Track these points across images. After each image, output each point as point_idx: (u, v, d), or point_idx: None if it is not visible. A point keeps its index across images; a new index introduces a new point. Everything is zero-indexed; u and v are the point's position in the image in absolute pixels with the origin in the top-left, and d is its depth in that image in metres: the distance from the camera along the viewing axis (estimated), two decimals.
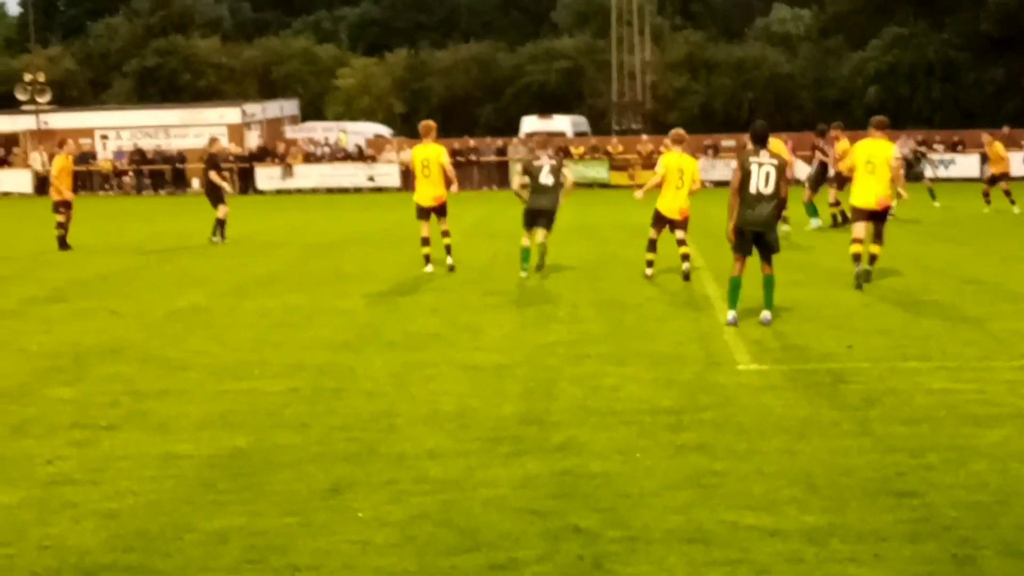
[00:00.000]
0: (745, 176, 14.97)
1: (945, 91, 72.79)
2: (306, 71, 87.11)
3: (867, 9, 78.40)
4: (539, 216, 21.08)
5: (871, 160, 18.94)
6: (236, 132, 64.95)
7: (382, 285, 20.14)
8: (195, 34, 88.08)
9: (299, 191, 60.20)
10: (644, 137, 63.36)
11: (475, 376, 12.20)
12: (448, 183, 21.92)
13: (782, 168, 15.00)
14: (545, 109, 71.52)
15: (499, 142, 63.62)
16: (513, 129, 68.17)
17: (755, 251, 15.26)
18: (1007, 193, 34.28)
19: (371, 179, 60.98)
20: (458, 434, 9.80)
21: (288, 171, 61.16)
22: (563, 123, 67.30)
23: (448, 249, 22.16)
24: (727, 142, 61.68)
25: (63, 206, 28.52)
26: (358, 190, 60.33)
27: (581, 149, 61.02)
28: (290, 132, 68.60)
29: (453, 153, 61.34)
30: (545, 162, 21.39)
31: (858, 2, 78.73)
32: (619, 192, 51.58)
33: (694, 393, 11.17)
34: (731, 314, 15.17)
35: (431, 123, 22.81)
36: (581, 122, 70.59)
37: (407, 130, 76.91)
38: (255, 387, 11.85)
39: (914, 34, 74.56)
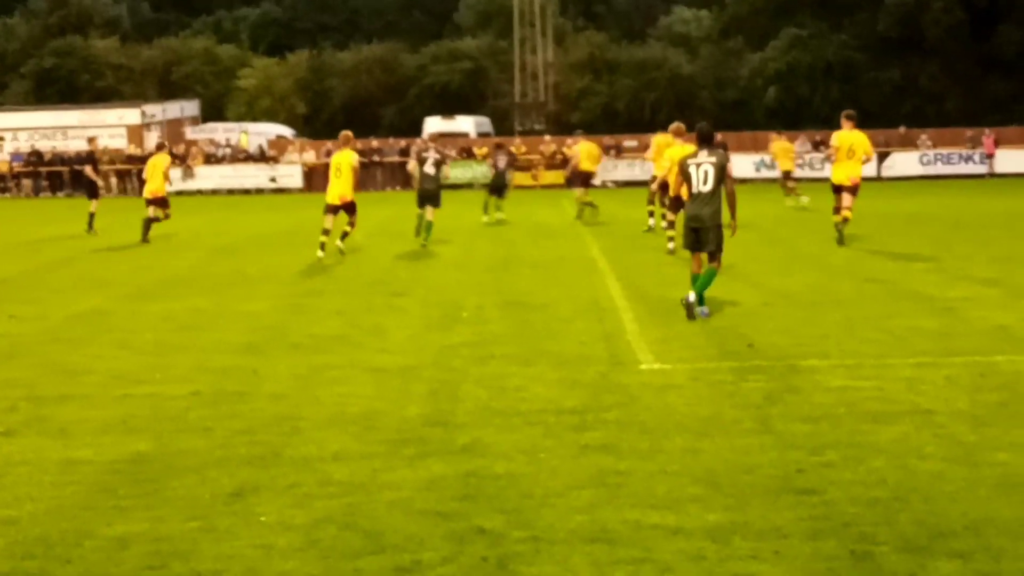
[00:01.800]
0: (686, 178, 15.75)
1: (844, 91, 73.67)
2: (207, 72, 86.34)
3: (766, 10, 79.25)
4: (426, 198, 26.70)
5: (852, 147, 24.59)
6: (136, 133, 64.27)
7: (286, 287, 20.04)
8: (93, 34, 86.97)
9: (200, 192, 59.65)
10: (547, 138, 63.58)
11: (380, 378, 12.17)
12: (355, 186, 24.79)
13: (721, 165, 15.47)
14: (448, 110, 71.53)
15: (402, 143, 63.47)
16: (417, 130, 68.09)
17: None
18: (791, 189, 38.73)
19: (273, 180, 60.62)
20: (363, 436, 9.78)
21: (189, 172, 60.61)
22: (466, 123, 67.39)
23: (343, 236, 24.46)
24: (629, 142, 62.09)
25: (161, 203, 30.56)
26: (260, 191, 59.96)
27: (484, 149, 61.03)
28: (191, 133, 67.97)
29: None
30: (431, 155, 27.33)
31: (757, 3, 79.56)
32: (522, 192, 51.68)
33: (598, 393, 11.23)
34: (692, 296, 15.46)
35: (349, 133, 26.04)
36: (484, 123, 70.70)
37: (309, 131, 76.63)
38: (157, 391, 11.74)
39: (813, 35, 75.50)
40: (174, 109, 70.11)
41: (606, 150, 60.41)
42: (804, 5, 77.74)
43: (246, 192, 60.12)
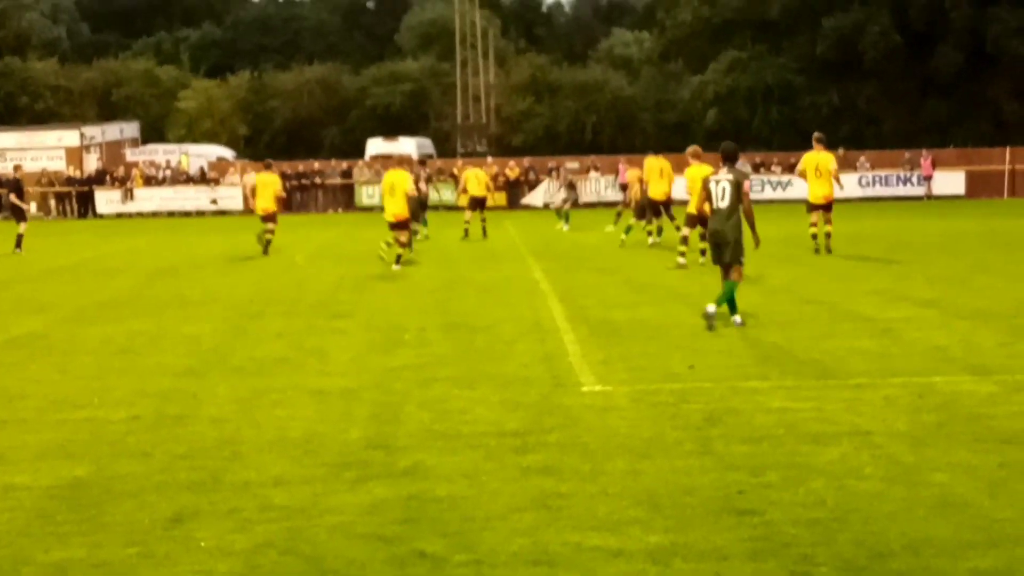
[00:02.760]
0: (708, 194, 16.63)
1: (783, 114, 74.33)
2: (147, 93, 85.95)
3: (706, 33, 79.77)
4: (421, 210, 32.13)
5: (819, 168, 27.28)
6: (75, 155, 63.79)
7: (227, 310, 19.94)
8: (32, 56, 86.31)
9: (140, 215, 59.35)
10: (489, 159, 63.63)
11: (322, 401, 12.13)
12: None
13: (737, 183, 16.27)
14: (390, 131, 71.52)
15: (344, 165, 63.36)
16: (359, 151, 68.05)
17: None
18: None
19: (214, 202, 60.33)
20: (304, 460, 9.74)
21: (129, 195, 60.27)
22: (408, 145, 67.34)
23: (397, 259, 26.00)
24: (571, 164, 62.22)
25: (271, 218, 31.83)
26: (201, 213, 59.68)
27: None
28: (131, 155, 67.53)
29: (297, 176, 61.29)
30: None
31: (697, 26, 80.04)
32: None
33: (540, 415, 11.23)
34: (735, 318, 16.48)
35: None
36: (426, 144, 70.70)
37: (250, 152, 76.39)
38: (96, 415, 11.64)
39: (752, 58, 76.07)
40: (114, 131, 69.66)
41: (548, 172, 60.77)
42: (743, 28, 78.31)
43: (187, 214, 59.83)
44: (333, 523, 8.05)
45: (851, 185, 58.75)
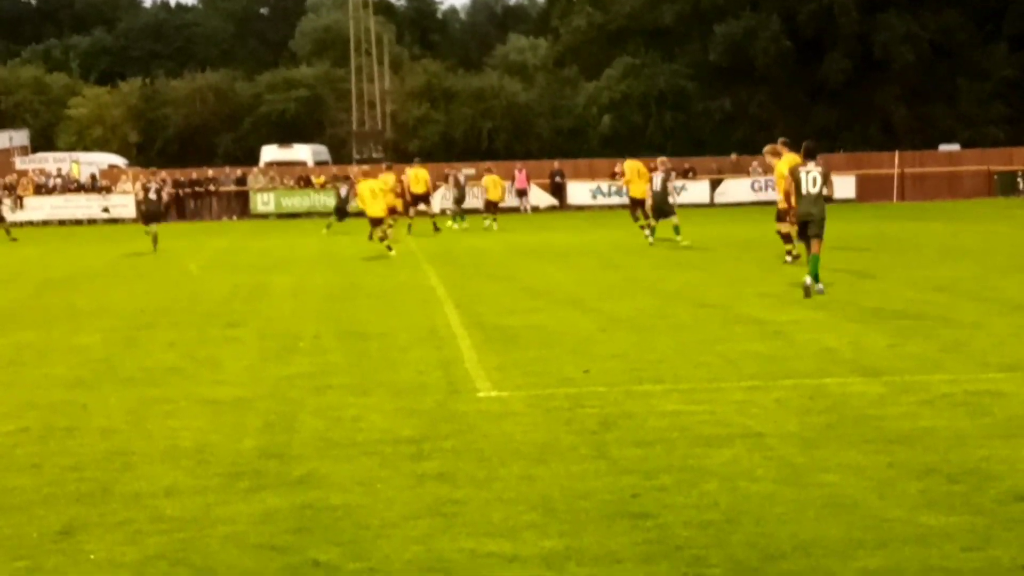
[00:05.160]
0: (797, 182, 20.35)
1: (676, 119, 74.88)
2: (36, 101, 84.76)
3: (600, 40, 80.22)
4: (150, 217, 36.27)
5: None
6: None
7: (119, 320, 19.67)
8: None
9: (30, 224, 58.38)
10: (384, 166, 63.41)
11: (215, 410, 12.01)
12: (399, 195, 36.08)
13: (826, 173, 20.28)
14: (285, 138, 71.11)
15: (238, 172, 62.85)
16: (253, 159, 67.59)
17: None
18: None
19: (106, 211, 59.52)
20: (196, 470, 9.64)
21: (19, 203, 59.30)
22: (304, 152, 67.01)
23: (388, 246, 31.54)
24: (467, 170, 62.21)
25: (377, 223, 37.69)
26: (92, 222, 58.87)
27: (322, 178, 60.73)
28: (20, 163, 66.49)
29: (191, 183, 60.71)
30: (153, 184, 37.58)
31: (591, 32, 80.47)
32: (359, 221, 51.41)
33: (435, 422, 11.21)
34: (809, 280, 19.64)
35: (389, 164, 34.51)
36: (321, 151, 70.37)
37: (143, 160, 75.55)
38: None
39: (646, 64, 76.60)
40: (2, 139, 68.61)
41: (444, 178, 60.73)
42: (636, 35, 78.83)
43: (78, 223, 58.99)
44: (225, 533, 7.98)
45: (744, 190, 59.56)
